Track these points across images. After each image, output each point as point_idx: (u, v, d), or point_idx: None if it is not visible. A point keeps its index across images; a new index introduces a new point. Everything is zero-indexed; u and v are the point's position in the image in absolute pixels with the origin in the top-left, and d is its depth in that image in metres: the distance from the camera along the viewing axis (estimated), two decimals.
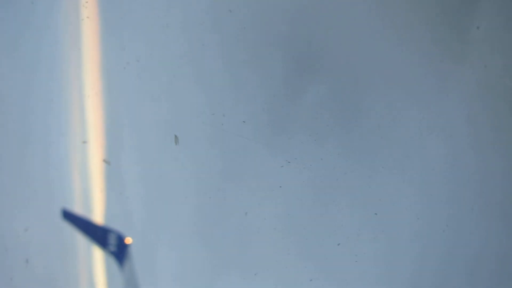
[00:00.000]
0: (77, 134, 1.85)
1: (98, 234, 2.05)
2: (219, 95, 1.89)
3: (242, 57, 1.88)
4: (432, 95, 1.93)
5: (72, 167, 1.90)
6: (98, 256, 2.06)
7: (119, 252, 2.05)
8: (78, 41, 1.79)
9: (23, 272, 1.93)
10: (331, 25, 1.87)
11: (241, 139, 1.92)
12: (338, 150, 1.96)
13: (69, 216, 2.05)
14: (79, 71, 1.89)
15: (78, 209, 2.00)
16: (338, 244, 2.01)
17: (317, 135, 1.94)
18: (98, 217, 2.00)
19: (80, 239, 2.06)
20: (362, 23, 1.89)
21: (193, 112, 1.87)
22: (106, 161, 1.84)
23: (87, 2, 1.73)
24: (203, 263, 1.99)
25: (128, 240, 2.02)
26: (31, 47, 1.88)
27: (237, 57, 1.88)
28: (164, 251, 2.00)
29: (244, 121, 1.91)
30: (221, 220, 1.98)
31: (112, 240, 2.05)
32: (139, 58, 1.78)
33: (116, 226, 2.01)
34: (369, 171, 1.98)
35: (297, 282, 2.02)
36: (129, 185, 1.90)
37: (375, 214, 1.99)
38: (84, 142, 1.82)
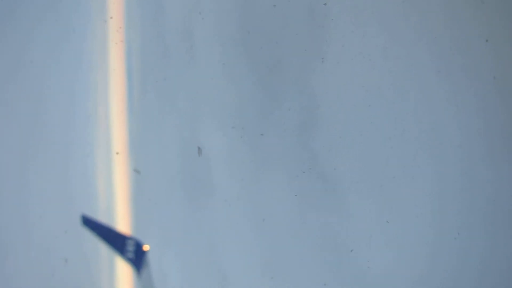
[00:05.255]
0: (109, 147, 2.25)
1: (116, 241, 2.29)
2: (238, 110, 2.27)
3: (259, 74, 2.26)
4: (443, 106, 2.23)
5: (103, 175, 2.29)
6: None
7: (137, 259, 2.28)
8: (110, 62, 2.21)
9: (62, 270, 2.31)
10: (336, 41, 2.23)
11: (259, 151, 2.29)
12: (350, 160, 2.30)
13: (88, 222, 2.30)
14: (106, 90, 2.30)
15: (103, 216, 2.35)
16: (351, 251, 2.33)
17: (330, 146, 2.29)
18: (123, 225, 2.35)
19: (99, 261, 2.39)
20: (371, 43, 2.23)
21: (215, 125, 2.26)
22: (136, 170, 2.23)
23: (120, 27, 2.15)
24: (222, 267, 2.35)
25: (146, 247, 2.29)
26: (69, 67, 2.31)
27: (255, 74, 2.26)
28: (182, 256, 2.36)
29: (262, 134, 2.28)
30: (239, 225, 2.35)
31: (130, 247, 2.28)
32: (166, 77, 2.18)
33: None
34: (381, 180, 2.30)
35: (312, 286, 2.35)
36: (155, 193, 2.28)
37: (387, 222, 2.31)
38: (117, 153, 2.21)
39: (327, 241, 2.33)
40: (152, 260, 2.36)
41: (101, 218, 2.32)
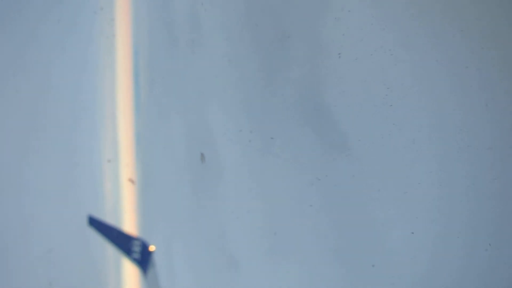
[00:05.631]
0: (105, 152, 2.09)
1: (122, 241, 2.28)
2: (246, 112, 2.09)
3: (269, 71, 2.09)
4: (471, 105, 2.07)
5: (99, 185, 2.14)
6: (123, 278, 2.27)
7: (142, 259, 2.29)
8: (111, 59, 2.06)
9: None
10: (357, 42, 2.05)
11: (269, 156, 2.10)
12: (371, 166, 2.12)
13: (95, 223, 2.30)
14: (112, 89, 2.14)
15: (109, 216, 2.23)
16: (373, 266, 2.15)
17: (349, 151, 2.10)
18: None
19: (104, 261, 2.28)
20: (393, 36, 2.06)
21: (219, 129, 2.07)
22: (132, 180, 2.06)
23: (112, 20, 1.98)
24: (231, 283, 2.17)
25: (152, 248, 2.24)
26: (69, 64, 2.16)
27: (264, 71, 2.08)
28: (188, 270, 2.19)
29: (272, 138, 2.09)
30: (249, 240, 2.16)
31: (136, 248, 2.26)
32: (166, 77, 2.01)
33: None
34: (404, 187, 2.12)
35: None
36: (156, 202, 2.11)
37: (412, 233, 2.13)
38: (109, 161, 2.05)
39: (346, 256, 2.17)
40: (159, 260, 2.24)
41: (108, 217, 2.25)
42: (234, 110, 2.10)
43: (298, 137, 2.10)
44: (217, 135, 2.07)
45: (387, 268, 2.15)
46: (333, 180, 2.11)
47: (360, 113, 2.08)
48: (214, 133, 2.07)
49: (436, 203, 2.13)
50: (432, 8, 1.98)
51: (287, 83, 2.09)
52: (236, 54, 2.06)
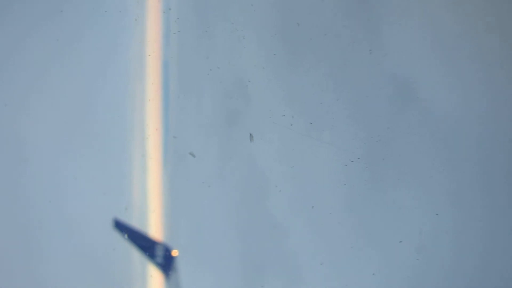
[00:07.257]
0: (166, 130, 2.46)
1: (146, 245, 2.42)
2: (288, 99, 2.41)
3: (308, 65, 2.39)
4: (494, 100, 2.24)
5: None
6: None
7: (165, 263, 2.41)
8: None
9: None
10: (385, 36, 2.31)
11: (308, 138, 2.40)
12: (399, 151, 2.35)
13: (119, 226, 2.43)
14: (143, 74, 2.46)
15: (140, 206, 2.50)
16: (400, 241, 2.37)
17: (379, 136, 2.36)
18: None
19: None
20: (413, 36, 2.29)
21: (266, 113, 2.41)
22: (192, 154, 2.43)
23: (178, 18, 2.37)
24: (272, 251, 2.47)
25: (175, 253, 2.40)
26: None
27: (305, 65, 2.39)
28: (231, 241, 2.49)
29: (311, 123, 2.39)
30: (290, 211, 2.47)
31: (159, 252, 2.41)
32: (220, 66, 2.37)
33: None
34: (430, 171, 2.33)
35: (360, 274, 2.41)
36: (207, 176, 2.45)
37: (437, 214, 2.33)
38: (192, 155, 2.41)
39: (375, 231, 2.38)
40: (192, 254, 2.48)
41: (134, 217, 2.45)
42: (278, 98, 2.42)
43: (334, 123, 2.38)
44: (263, 119, 2.40)
45: (413, 245, 2.32)
46: (365, 162, 2.36)
47: (389, 103, 2.33)
48: (261, 117, 2.40)
49: (459, 188, 2.32)
50: (454, 12, 2.19)
51: (325, 76, 2.38)
52: (279, 49, 2.38)
